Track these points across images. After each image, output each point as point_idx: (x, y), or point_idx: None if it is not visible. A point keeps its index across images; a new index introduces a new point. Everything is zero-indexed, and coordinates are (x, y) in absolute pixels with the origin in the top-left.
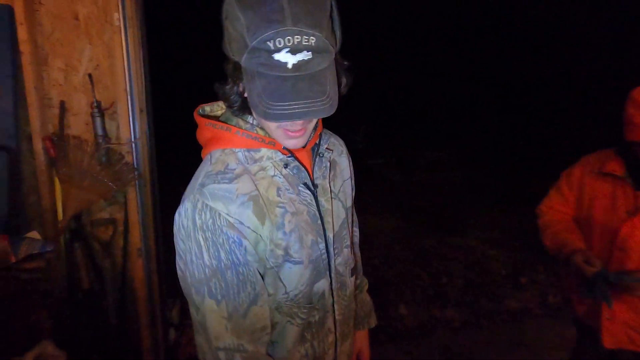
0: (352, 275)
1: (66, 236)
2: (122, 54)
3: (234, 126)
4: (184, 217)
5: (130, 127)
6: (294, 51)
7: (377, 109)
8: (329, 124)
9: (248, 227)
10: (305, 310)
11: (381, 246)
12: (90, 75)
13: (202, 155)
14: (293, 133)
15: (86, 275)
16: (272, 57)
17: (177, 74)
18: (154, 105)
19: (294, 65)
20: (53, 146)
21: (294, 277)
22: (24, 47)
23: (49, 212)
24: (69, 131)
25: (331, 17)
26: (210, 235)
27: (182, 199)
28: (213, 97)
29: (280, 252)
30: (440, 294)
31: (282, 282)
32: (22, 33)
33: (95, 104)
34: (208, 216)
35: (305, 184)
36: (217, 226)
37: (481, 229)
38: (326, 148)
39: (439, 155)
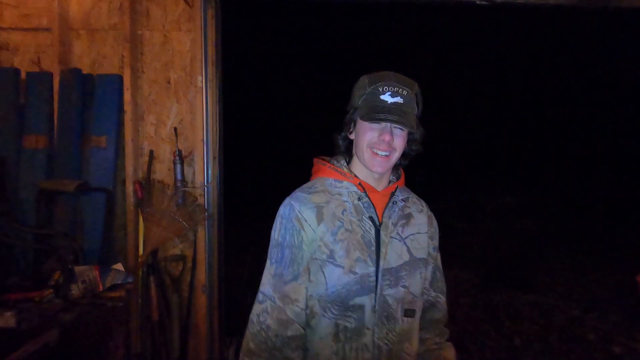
0: (405, 315)
1: (144, 270)
2: (202, 110)
3: (329, 162)
4: (282, 206)
5: (204, 173)
6: (393, 94)
7: (436, 148)
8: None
9: (309, 225)
10: (336, 307)
11: None
12: (175, 129)
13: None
14: (380, 152)
15: (157, 308)
16: (379, 97)
17: (244, 125)
18: (224, 153)
19: (391, 103)
20: (141, 189)
21: (334, 277)
22: (127, 107)
23: (133, 246)
24: (155, 176)
25: (416, 94)
26: (285, 222)
27: None
28: (274, 150)
29: (326, 250)
30: (513, 358)
31: (325, 278)
32: (127, 96)
33: (177, 153)
34: (288, 209)
35: (371, 217)
36: (289, 217)
37: (562, 285)
38: (401, 199)
39: (508, 200)
